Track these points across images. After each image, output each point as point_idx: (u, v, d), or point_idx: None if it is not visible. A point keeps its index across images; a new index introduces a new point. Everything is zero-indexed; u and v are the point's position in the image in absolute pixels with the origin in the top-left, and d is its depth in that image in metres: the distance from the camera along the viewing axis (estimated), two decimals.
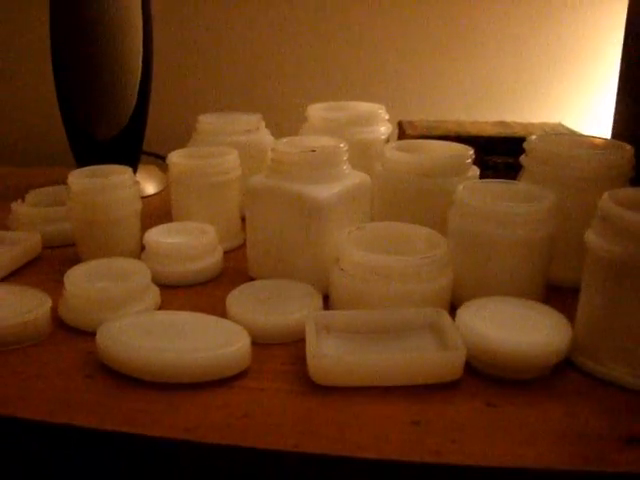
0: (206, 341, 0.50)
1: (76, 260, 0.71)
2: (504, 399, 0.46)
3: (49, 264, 0.71)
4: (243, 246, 0.73)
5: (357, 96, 0.92)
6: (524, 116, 0.99)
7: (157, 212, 0.77)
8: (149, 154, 0.97)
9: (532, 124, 0.81)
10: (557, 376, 0.49)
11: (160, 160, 0.99)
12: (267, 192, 0.60)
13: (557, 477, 0.40)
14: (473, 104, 1.06)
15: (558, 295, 0.58)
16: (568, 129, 0.81)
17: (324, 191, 0.58)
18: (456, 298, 0.55)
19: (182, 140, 0.81)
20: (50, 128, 0.98)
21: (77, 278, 0.58)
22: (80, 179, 0.66)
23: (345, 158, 0.61)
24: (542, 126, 0.80)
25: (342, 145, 0.60)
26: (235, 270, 0.67)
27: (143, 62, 0.85)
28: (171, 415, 0.45)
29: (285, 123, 0.87)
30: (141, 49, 0.85)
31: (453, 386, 0.48)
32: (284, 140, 0.62)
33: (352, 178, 0.61)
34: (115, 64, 0.84)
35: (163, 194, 0.93)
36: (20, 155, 1.15)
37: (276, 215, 0.59)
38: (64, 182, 0.68)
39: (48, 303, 0.56)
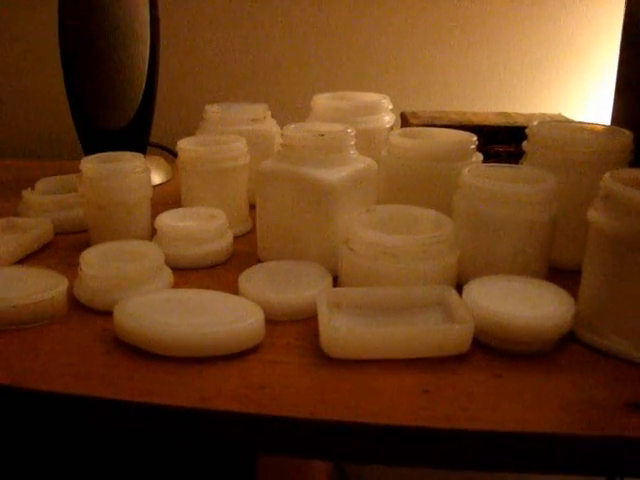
0: (221, 316, 0.51)
1: (87, 245, 0.71)
2: (511, 371, 0.48)
3: (61, 249, 0.72)
4: (251, 231, 0.74)
5: (358, 88, 0.93)
6: (524, 108, 1.00)
7: (164, 201, 0.78)
8: (155, 145, 0.98)
9: (533, 114, 0.83)
10: (562, 350, 0.51)
11: (165, 152, 1.01)
12: (277, 176, 0.61)
13: (562, 441, 0.42)
14: (473, 96, 1.07)
15: (558, 276, 0.58)
16: (567, 119, 0.82)
17: (333, 174, 0.59)
18: (462, 277, 0.57)
19: (186, 132, 0.82)
20: (59, 121, 1.00)
21: (92, 259, 0.59)
22: (92, 164, 0.67)
23: (352, 143, 0.62)
24: (542, 117, 0.82)
25: (349, 130, 0.62)
26: (244, 254, 0.68)
27: (150, 55, 0.87)
28: (188, 386, 0.47)
29: (289, 114, 0.88)
30: (149, 41, 0.86)
31: (462, 359, 0.49)
32: (292, 126, 0.64)
33: (359, 162, 0.62)
34: (123, 56, 0.85)
35: (170, 184, 0.94)
36: (28, 148, 1.16)
37: (286, 198, 0.61)
38: (73, 173, 0.69)
39: (65, 283, 0.57)
